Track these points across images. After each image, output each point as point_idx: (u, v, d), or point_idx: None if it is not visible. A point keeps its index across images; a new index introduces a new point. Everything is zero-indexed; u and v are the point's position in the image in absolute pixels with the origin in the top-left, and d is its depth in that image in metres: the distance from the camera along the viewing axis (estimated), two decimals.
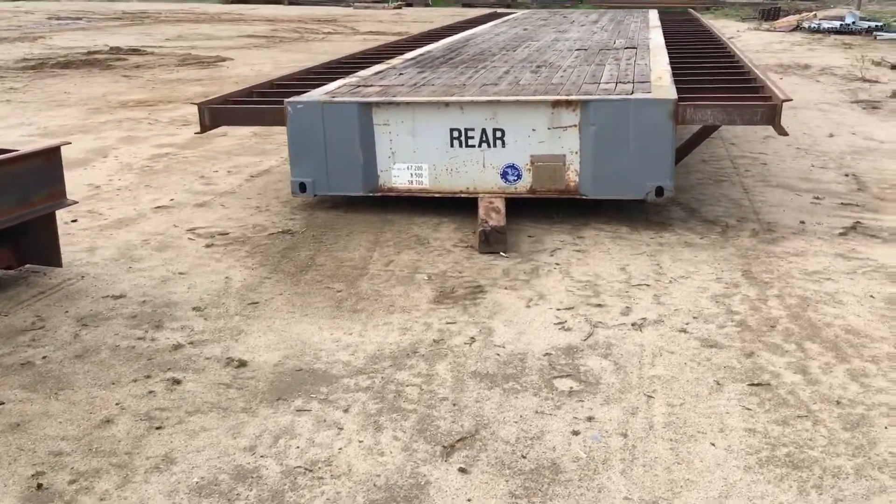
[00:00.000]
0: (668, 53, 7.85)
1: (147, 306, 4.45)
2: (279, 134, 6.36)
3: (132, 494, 2.87)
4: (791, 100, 5.43)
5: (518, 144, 5.67)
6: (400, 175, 5.90)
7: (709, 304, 4.40)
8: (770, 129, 5.61)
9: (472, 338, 4.04)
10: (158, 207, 6.28)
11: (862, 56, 14.70)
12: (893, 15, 23.36)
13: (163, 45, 18.23)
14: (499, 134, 5.68)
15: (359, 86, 6.51)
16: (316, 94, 6.16)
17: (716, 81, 6.63)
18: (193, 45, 18.53)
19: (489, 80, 6.54)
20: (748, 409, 3.38)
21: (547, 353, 3.87)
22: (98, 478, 2.96)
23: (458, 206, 5.87)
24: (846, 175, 7.04)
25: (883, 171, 7.18)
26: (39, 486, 2.92)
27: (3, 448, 3.13)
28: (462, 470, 3.00)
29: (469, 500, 2.84)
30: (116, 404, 3.45)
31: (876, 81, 12.29)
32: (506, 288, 4.66)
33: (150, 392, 3.55)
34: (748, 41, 18.15)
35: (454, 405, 3.42)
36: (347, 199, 6.17)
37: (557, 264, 5.01)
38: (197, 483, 2.94)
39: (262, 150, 8.14)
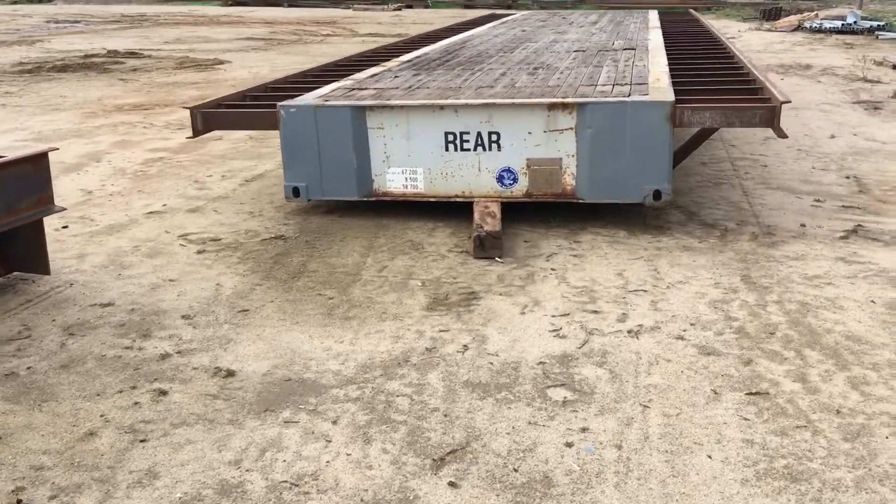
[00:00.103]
0: (668, 54, 7.77)
1: (135, 314, 4.38)
2: (275, 137, 6.30)
3: None
4: (790, 101, 5.35)
5: (514, 148, 5.60)
6: (394, 179, 5.83)
7: (707, 311, 4.32)
8: (771, 131, 5.53)
9: (465, 346, 3.97)
10: (151, 213, 6.21)
11: (864, 56, 14.62)
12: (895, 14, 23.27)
13: (160, 49, 18.17)
14: (494, 137, 5.60)
15: (353, 89, 6.44)
16: (309, 98, 6.09)
17: (715, 83, 6.55)
18: (191, 47, 18.47)
19: (485, 83, 6.47)
20: (746, 419, 3.31)
21: (541, 362, 3.80)
22: (79, 493, 2.89)
23: (454, 211, 5.79)
24: (847, 177, 6.96)
25: (885, 172, 7.10)
26: (19, 501, 2.85)
27: None
28: (452, 484, 2.92)
29: None
30: (101, 416, 3.38)
31: (878, 82, 12.20)
32: (500, 294, 4.59)
33: (136, 403, 3.48)
34: (749, 41, 18.07)
35: (445, 416, 3.35)
36: (342, 204, 6.09)
37: (553, 269, 4.93)
38: (180, 498, 2.86)
39: (258, 154, 8.07)
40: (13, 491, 2.90)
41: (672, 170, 5.52)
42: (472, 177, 5.70)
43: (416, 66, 7.74)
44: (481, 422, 3.30)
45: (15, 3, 35.40)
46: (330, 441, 3.19)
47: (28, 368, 3.79)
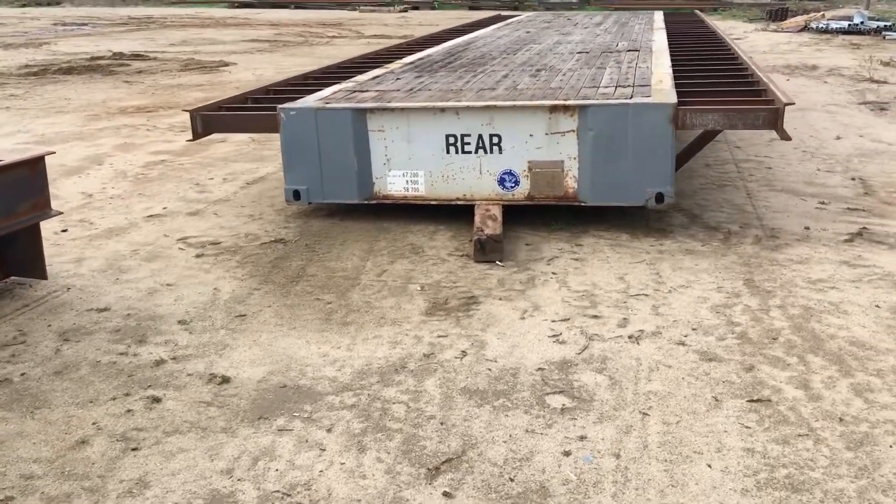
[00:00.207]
0: (672, 56, 7.71)
1: (131, 320, 4.35)
2: (277, 140, 6.28)
3: None
4: (794, 103, 5.29)
5: (515, 150, 5.55)
6: (395, 182, 5.79)
7: (709, 315, 4.26)
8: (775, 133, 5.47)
9: (464, 352, 3.92)
10: (150, 216, 6.18)
11: (870, 56, 14.52)
12: None
13: (166, 51, 18.18)
14: (496, 140, 5.56)
15: (354, 91, 6.40)
16: (310, 101, 6.06)
17: (718, 84, 6.49)
18: (197, 49, 18.48)
19: (487, 85, 6.42)
20: (747, 427, 3.25)
21: (540, 368, 3.75)
22: (68, 503, 2.85)
23: (455, 214, 5.75)
24: (853, 179, 6.88)
25: (891, 174, 7.03)
26: None
27: None
28: (446, 494, 2.87)
29: None
30: (93, 424, 3.34)
31: (884, 82, 12.10)
32: (500, 299, 4.54)
33: (129, 411, 3.44)
34: (755, 42, 17.98)
35: (441, 424, 3.30)
36: (343, 207, 6.06)
37: (554, 273, 4.88)
38: None
39: (260, 157, 8.04)
40: (1, 501, 2.86)
41: (675, 172, 5.46)
42: (474, 179, 5.65)
43: (419, 68, 7.69)
44: (478, 430, 3.26)
45: (24, 5, 35.52)
46: (324, 450, 3.14)
47: (22, 375, 3.76)
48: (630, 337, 4.04)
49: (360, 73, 7.61)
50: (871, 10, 23.08)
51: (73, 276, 5.00)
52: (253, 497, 2.87)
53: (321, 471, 3.01)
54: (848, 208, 6.06)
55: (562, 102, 5.46)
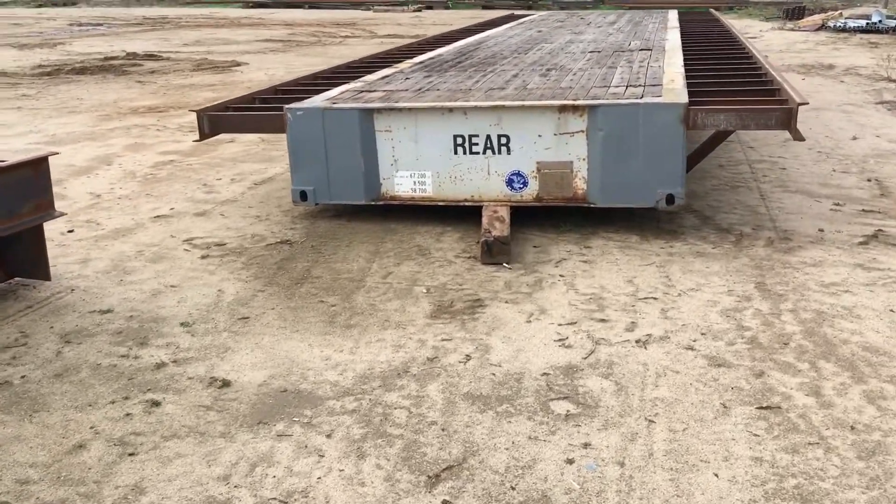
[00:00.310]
0: (685, 55, 7.62)
1: (134, 322, 4.31)
2: (286, 140, 6.26)
3: None
4: (807, 103, 5.19)
5: (524, 151, 5.48)
6: (402, 183, 5.74)
7: (718, 319, 4.18)
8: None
9: (468, 356, 3.86)
10: (157, 217, 6.15)
11: (888, 55, 14.33)
12: None
13: (179, 51, 18.21)
14: (504, 140, 5.49)
15: (362, 91, 6.35)
16: (317, 101, 6.01)
17: (731, 84, 6.40)
18: (210, 49, 18.50)
19: (496, 85, 6.35)
20: (756, 434, 3.17)
21: (545, 373, 3.68)
22: None
23: (463, 215, 5.69)
24: (869, 180, 6.77)
25: None
26: None
27: None
28: (446, 503, 2.81)
29: None
30: (91, 428, 3.31)
31: None
32: (506, 301, 4.47)
33: (128, 415, 3.41)
34: (771, 41, 17.81)
35: (443, 430, 3.24)
36: (350, 208, 6.01)
37: (562, 276, 4.81)
38: None
39: (269, 157, 8.01)
40: None
41: (686, 173, 5.37)
42: (482, 180, 5.59)
43: (429, 67, 7.64)
44: (480, 436, 3.20)
45: (40, 6, 35.75)
46: (323, 456, 3.09)
47: (22, 377, 3.73)
48: (637, 341, 3.96)
49: (370, 72, 7.56)
50: (889, 8, 22.83)
51: (77, 277, 4.97)
52: None
53: (319, 477, 2.96)
54: (863, 210, 5.95)
55: (571, 102, 5.39)
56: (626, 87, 5.94)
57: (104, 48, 18.75)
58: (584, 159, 5.41)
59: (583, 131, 5.36)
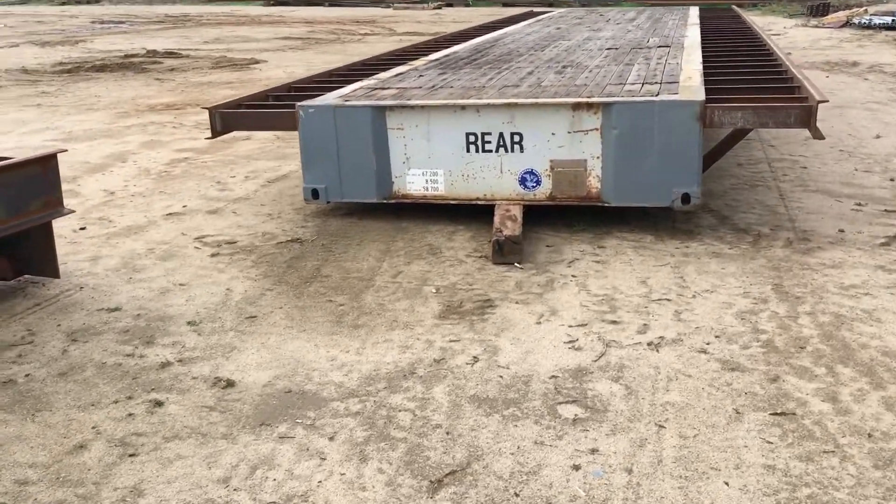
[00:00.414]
0: (704, 52, 7.50)
1: (141, 320, 4.29)
2: None
3: None
4: (827, 101, 5.07)
5: (537, 149, 5.40)
6: (414, 181, 5.68)
7: (733, 322, 4.09)
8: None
9: (476, 357, 3.80)
10: (169, 214, 6.14)
11: None
12: None
13: (199, 48, 18.27)
14: (517, 138, 5.42)
15: (375, 88, 6.30)
16: (329, 98, 5.97)
17: (750, 81, 6.28)
18: (230, 47, 18.54)
19: (511, 82, 6.28)
20: (769, 442, 3.08)
21: (553, 376, 3.61)
22: None
23: (476, 214, 5.62)
24: (892, 179, 6.62)
25: None
26: None
27: None
28: None
29: None
30: (93, 428, 3.28)
31: None
32: (517, 302, 4.40)
33: (130, 415, 3.37)
34: (795, 38, 17.58)
35: (447, 434, 3.18)
36: (362, 206, 5.96)
37: (574, 276, 4.73)
38: None
39: (283, 155, 7.98)
40: None
41: (702, 172, 5.27)
42: (494, 179, 5.52)
43: (443, 64, 7.57)
44: (485, 440, 3.13)
45: (63, 3, 36.04)
46: (324, 459, 3.04)
47: (27, 376, 3.71)
48: (649, 344, 3.88)
49: (385, 70, 7.51)
50: None
51: (87, 274, 4.96)
52: None
53: (320, 481, 2.91)
54: (886, 210, 5.82)
55: (585, 100, 5.30)
56: (643, 84, 5.85)
57: (125, 46, 18.85)
58: (598, 158, 5.32)
59: (597, 129, 5.27)
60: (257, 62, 15.64)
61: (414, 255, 5.14)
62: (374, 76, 7.02)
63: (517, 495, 2.81)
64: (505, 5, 30.37)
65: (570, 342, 3.92)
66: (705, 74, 6.19)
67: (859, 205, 5.95)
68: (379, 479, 2.91)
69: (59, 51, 18.13)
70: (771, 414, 3.27)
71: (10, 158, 4.47)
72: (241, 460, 3.05)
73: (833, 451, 3.02)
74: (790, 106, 5.14)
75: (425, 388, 3.53)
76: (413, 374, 3.66)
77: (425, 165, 5.62)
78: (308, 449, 3.10)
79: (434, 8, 30.85)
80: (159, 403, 3.46)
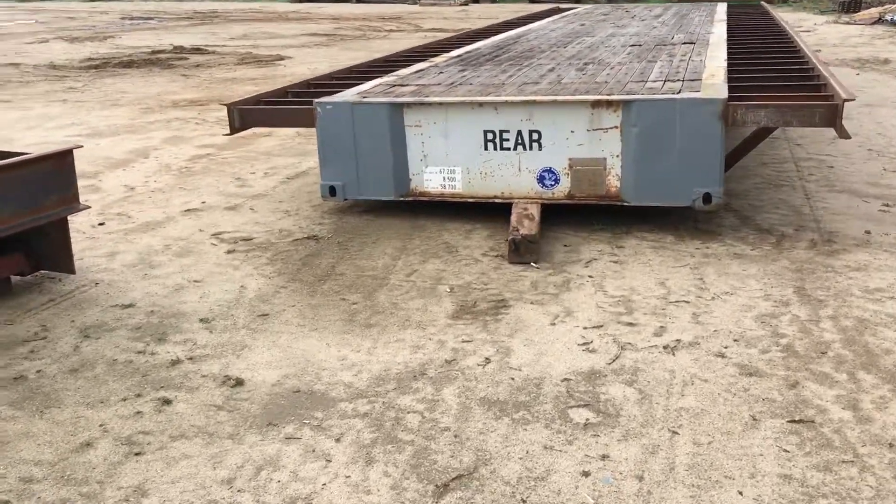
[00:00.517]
0: (730, 49, 7.38)
1: (154, 317, 4.28)
2: None
3: None
4: (853, 99, 4.95)
5: (555, 147, 5.33)
6: (432, 179, 5.63)
7: (753, 325, 3.99)
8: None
9: (487, 359, 3.74)
10: (188, 210, 6.14)
11: None
12: None
13: (226, 45, 18.35)
14: (535, 136, 5.35)
15: (394, 85, 6.26)
16: (347, 95, 5.93)
17: (776, 79, 6.16)
18: (256, 44, 18.61)
19: (531, 79, 6.20)
20: (786, 450, 3.00)
21: (566, 379, 3.54)
22: None
23: (494, 212, 5.55)
24: None
25: None
26: None
27: None
28: None
29: None
30: (100, 426, 3.26)
31: None
32: (532, 302, 4.34)
33: (138, 413, 3.36)
34: (825, 35, 17.28)
35: (455, 437, 3.13)
36: (379, 204, 5.92)
37: (591, 277, 4.66)
38: None
39: (303, 151, 7.96)
40: None
41: (724, 172, 5.17)
42: (512, 177, 5.46)
43: (464, 61, 7.51)
44: (493, 444, 3.08)
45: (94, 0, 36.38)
46: (330, 461, 3.00)
47: (38, 372, 3.71)
48: (665, 347, 3.80)
49: (406, 66, 7.47)
50: None
51: (103, 270, 4.96)
52: None
53: (324, 484, 2.87)
54: None
55: (605, 97, 5.22)
56: (664, 81, 5.75)
57: (153, 42, 18.98)
58: (617, 156, 5.24)
59: (617, 127, 5.19)
60: (282, 59, 15.67)
61: (430, 253, 5.10)
62: (394, 73, 6.98)
63: (524, 501, 2.75)
64: (532, 1, 30.20)
65: (584, 344, 3.85)
66: (729, 72, 6.08)
67: (887, 205, 5.81)
68: (384, 483, 2.87)
69: (87, 46, 18.30)
70: (789, 421, 3.18)
71: (27, 154, 4.49)
72: (247, 461, 3.02)
73: (852, 461, 2.93)
74: (815, 104, 5.02)
75: (435, 390, 3.48)
76: (423, 374, 3.61)
77: (443, 163, 5.57)
78: (314, 450, 3.07)
79: (461, 4, 30.76)
80: (168, 402, 3.44)
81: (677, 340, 3.86)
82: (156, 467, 2.99)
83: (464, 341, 3.92)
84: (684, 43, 7.99)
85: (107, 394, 3.51)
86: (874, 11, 20.50)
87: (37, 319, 4.26)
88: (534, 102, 5.31)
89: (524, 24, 11.84)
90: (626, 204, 5.31)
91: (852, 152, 7.31)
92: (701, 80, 5.69)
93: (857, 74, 11.80)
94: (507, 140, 5.40)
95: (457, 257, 5.02)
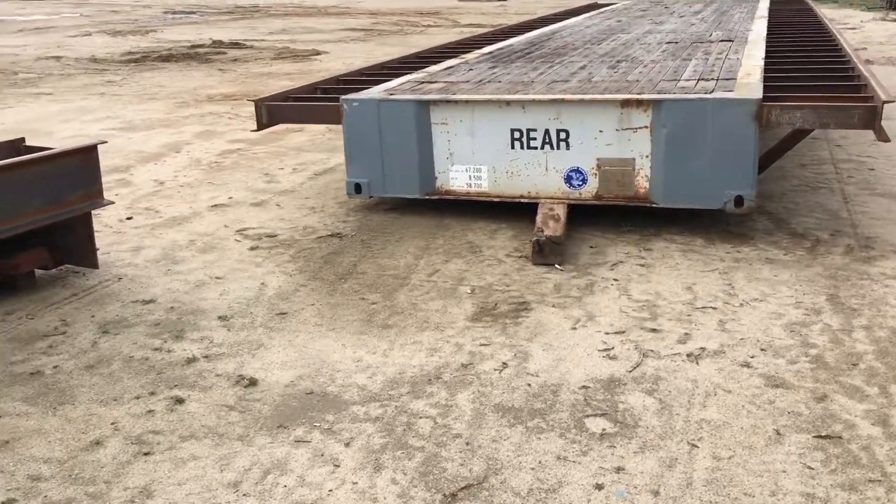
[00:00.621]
0: (769, 47, 7.19)
1: (174, 313, 4.27)
2: None
3: None
4: (894, 100, 4.77)
5: (583, 147, 5.22)
6: (458, 177, 5.56)
7: (781, 334, 3.86)
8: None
9: (505, 363, 3.66)
10: (215, 206, 6.14)
11: None
12: None
13: (264, 39, 18.45)
14: (563, 135, 5.25)
15: (423, 82, 6.20)
16: (374, 92, 5.88)
17: (814, 79, 5.97)
18: (294, 38, 18.68)
19: (561, 77, 6.10)
20: (810, 467, 2.88)
21: (584, 386, 3.45)
22: None
23: (520, 212, 5.46)
24: None
25: None
26: None
27: None
28: None
29: None
30: (111, 424, 3.25)
31: None
32: (553, 305, 4.25)
33: (150, 412, 3.34)
34: (871, 32, 16.85)
35: (467, 444, 3.06)
36: (405, 202, 5.86)
37: (616, 280, 4.55)
38: None
39: (333, 147, 7.94)
40: (3, 502, 2.79)
41: (757, 174, 5.02)
42: (539, 176, 5.36)
43: (496, 58, 7.42)
44: (505, 453, 3.00)
45: None
46: (338, 466, 2.95)
47: (54, 367, 3.72)
48: (689, 355, 3.69)
49: (437, 63, 7.40)
50: None
51: (127, 265, 4.98)
52: None
53: (331, 490, 2.82)
54: None
55: (634, 97, 5.10)
56: (698, 80, 5.61)
57: (193, 36, 19.15)
58: (647, 156, 5.12)
59: (646, 127, 5.07)
60: (318, 53, 15.70)
61: (453, 253, 5.03)
62: (424, 69, 6.92)
63: None
64: None
65: (604, 350, 3.76)
66: (766, 70, 5.91)
67: None
68: (391, 491, 2.81)
69: (129, 40, 18.53)
70: (814, 436, 3.06)
71: (52, 149, 4.51)
72: (254, 464, 2.98)
73: (879, 481, 2.80)
74: (853, 105, 4.85)
75: (449, 395, 3.41)
76: (438, 378, 3.55)
77: (469, 161, 5.49)
78: (323, 455, 3.02)
79: (499, 0, 30.59)
80: (180, 401, 3.42)
81: (702, 348, 3.75)
82: (163, 468, 2.97)
83: (481, 345, 3.84)
84: (722, 40, 7.81)
85: (121, 391, 3.50)
86: None
87: (58, 314, 4.28)
88: (562, 101, 5.21)
89: (560, 20, 11.71)
90: (654, 205, 5.19)
91: (895, 154, 7.08)
92: (736, 79, 5.54)
93: None
94: (535, 139, 5.31)
95: (480, 257, 4.94)
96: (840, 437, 3.05)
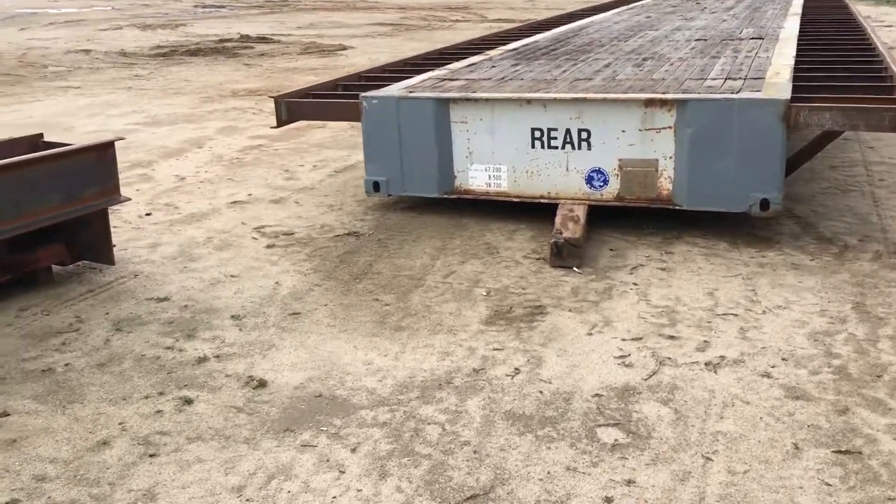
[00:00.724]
0: (800, 45, 7.03)
1: (187, 312, 4.25)
2: None
3: None
4: None
5: (605, 147, 5.13)
6: (477, 177, 5.49)
7: (804, 343, 3.76)
8: None
9: (517, 369, 3.60)
10: (234, 202, 6.13)
11: None
12: None
13: (291, 34, 18.48)
14: (584, 135, 5.16)
15: (444, 79, 6.13)
16: (393, 89, 5.83)
17: (846, 79, 5.83)
18: (321, 33, 18.69)
19: (584, 75, 6.00)
20: (828, 483, 2.79)
21: (597, 394, 3.38)
22: None
23: (540, 212, 5.38)
24: None
25: None
26: None
27: None
28: None
29: None
30: (119, 424, 3.23)
31: None
32: (570, 310, 4.17)
33: (158, 412, 3.32)
34: None
35: (475, 452, 3.00)
36: (423, 201, 5.81)
37: (635, 284, 4.46)
38: None
39: (354, 144, 7.89)
40: (7, 503, 2.78)
41: (784, 177, 4.90)
42: (559, 177, 5.28)
43: (520, 55, 7.34)
44: (513, 462, 2.94)
45: None
46: (343, 472, 2.91)
47: (66, 365, 3.71)
48: (707, 364, 3.60)
49: (461, 59, 7.33)
50: None
51: (144, 262, 4.98)
52: None
53: (334, 497, 2.77)
54: None
55: (658, 96, 5.00)
56: (725, 79, 5.49)
57: (221, 30, 19.25)
58: (670, 157, 5.02)
59: (670, 127, 4.97)
60: (345, 48, 15.69)
61: (470, 253, 4.96)
62: (446, 66, 6.85)
63: None
64: None
65: (620, 357, 3.68)
66: (796, 70, 5.77)
67: None
68: (396, 499, 2.76)
69: (158, 34, 18.65)
70: (834, 451, 2.96)
71: (70, 145, 4.51)
72: (259, 468, 2.94)
73: None
74: (884, 107, 4.71)
75: (459, 400, 3.35)
76: (449, 383, 3.49)
77: (488, 161, 5.42)
78: (328, 460, 2.98)
79: None
80: (189, 401, 3.39)
81: (721, 357, 3.65)
82: (168, 470, 2.94)
83: (494, 349, 3.78)
84: (752, 38, 7.66)
85: (130, 390, 3.49)
86: None
87: (73, 310, 4.28)
88: (584, 100, 5.12)
89: (588, 15, 11.58)
90: (678, 208, 5.09)
91: None
92: (764, 78, 5.41)
93: None
94: (556, 138, 5.23)
95: (497, 259, 4.88)
96: (860, 453, 2.95)
